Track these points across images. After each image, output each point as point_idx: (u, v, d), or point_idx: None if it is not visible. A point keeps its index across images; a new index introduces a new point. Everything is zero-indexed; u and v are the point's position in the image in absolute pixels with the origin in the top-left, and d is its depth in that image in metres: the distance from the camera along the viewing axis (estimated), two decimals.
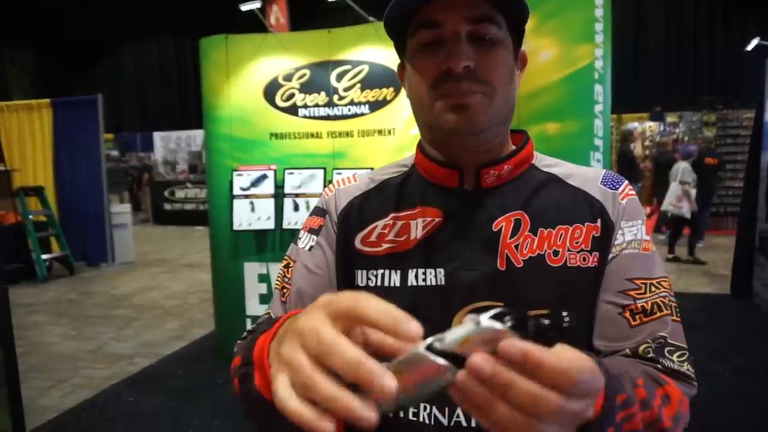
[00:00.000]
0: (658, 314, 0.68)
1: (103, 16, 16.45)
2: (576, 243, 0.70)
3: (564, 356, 0.38)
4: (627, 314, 0.68)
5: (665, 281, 0.71)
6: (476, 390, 0.38)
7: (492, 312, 0.39)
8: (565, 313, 0.39)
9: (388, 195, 0.79)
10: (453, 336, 0.38)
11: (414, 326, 0.37)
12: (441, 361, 0.38)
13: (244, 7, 5.63)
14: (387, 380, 0.35)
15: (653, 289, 0.69)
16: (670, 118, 10.98)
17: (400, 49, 0.75)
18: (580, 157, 2.75)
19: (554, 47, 2.69)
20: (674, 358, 0.66)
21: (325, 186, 3.60)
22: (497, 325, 0.38)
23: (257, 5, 5.66)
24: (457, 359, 0.38)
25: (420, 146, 0.80)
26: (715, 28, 12.93)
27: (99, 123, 7.32)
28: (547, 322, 0.39)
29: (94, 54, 17.85)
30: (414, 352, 0.38)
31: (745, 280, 5.36)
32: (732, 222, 8.35)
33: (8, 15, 14.66)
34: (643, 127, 11.69)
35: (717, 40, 12.90)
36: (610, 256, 0.71)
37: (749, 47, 5.82)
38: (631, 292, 0.69)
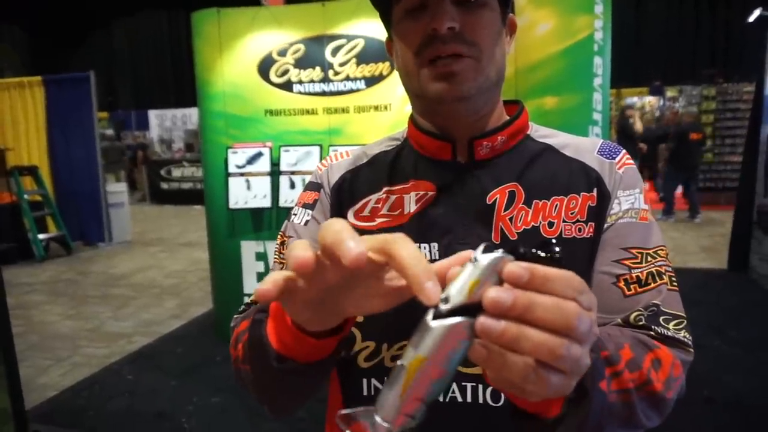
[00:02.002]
0: (653, 285, 0.65)
1: None
2: (571, 214, 0.69)
3: (558, 270, 0.36)
4: (621, 284, 0.66)
5: (662, 250, 0.68)
6: (500, 328, 0.35)
7: (482, 247, 0.37)
8: (556, 245, 0.37)
9: (381, 169, 0.77)
10: (457, 287, 0.36)
11: (433, 290, 0.36)
12: (455, 320, 0.35)
13: None
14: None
15: (649, 258, 0.67)
16: (670, 93, 10.88)
17: (387, 21, 0.73)
18: (579, 132, 2.69)
19: (552, 18, 2.62)
20: (669, 326, 0.64)
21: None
22: (496, 253, 0.36)
23: None
24: (469, 310, 0.35)
25: (412, 119, 0.78)
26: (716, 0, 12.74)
27: (92, 101, 7.23)
28: (541, 253, 0.37)
29: (85, 30, 17.54)
30: (424, 331, 0.36)
31: (742, 255, 5.37)
32: (730, 197, 8.36)
33: None
34: (643, 101, 11.60)
35: (718, 12, 12.71)
36: (606, 225, 0.69)
37: (751, 18, 5.72)
38: (626, 262, 0.67)
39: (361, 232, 0.72)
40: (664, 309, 0.65)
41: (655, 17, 13.26)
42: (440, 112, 0.70)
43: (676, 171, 7.82)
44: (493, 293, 0.35)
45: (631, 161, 0.74)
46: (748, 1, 9.93)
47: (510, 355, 0.36)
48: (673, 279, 0.68)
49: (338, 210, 0.77)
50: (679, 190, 8.35)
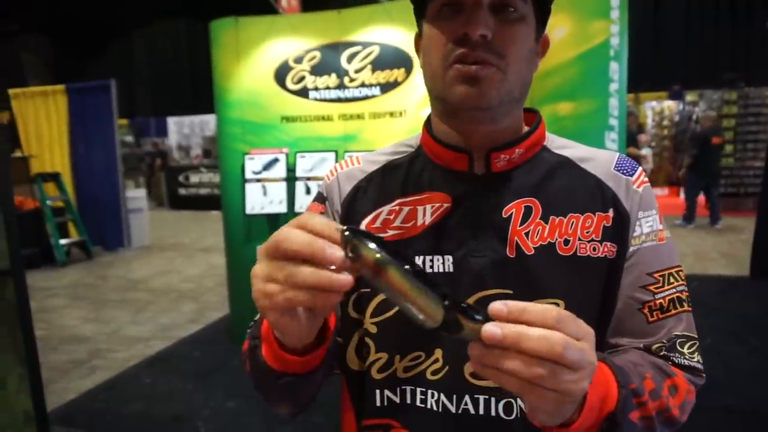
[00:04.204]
0: (673, 312, 0.70)
1: (113, 2, 16.47)
2: (587, 232, 0.69)
3: (535, 304, 0.44)
4: (645, 310, 0.70)
5: (681, 270, 0.72)
6: (494, 354, 0.43)
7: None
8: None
9: (394, 178, 0.76)
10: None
11: (336, 251, 0.45)
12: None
13: None
14: (335, 250, 0.45)
15: (671, 280, 0.71)
16: (690, 97, 10.71)
17: (419, 15, 0.72)
18: (595, 138, 2.69)
19: (568, 23, 2.61)
20: (685, 350, 0.69)
21: None
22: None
23: None
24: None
25: (427, 126, 0.77)
26: (738, 2, 12.53)
27: (113, 108, 7.37)
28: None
29: (106, 38, 17.88)
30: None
31: (765, 262, 5.27)
32: (752, 203, 8.19)
33: (22, 0, 14.73)
34: (662, 106, 11.44)
35: (739, 14, 12.50)
36: (631, 249, 0.70)
37: None
38: (651, 287, 0.70)
39: None
40: (682, 334, 0.70)
41: (675, 20, 13.09)
42: (460, 117, 0.69)
43: (698, 177, 7.67)
44: (487, 328, 0.43)
45: (647, 179, 0.74)
46: None
47: (505, 377, 0.44)
48: (689, 299, 0.72)
49: (348, 220, 0.76)
50: (701, 195, 8.21)
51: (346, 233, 0.46)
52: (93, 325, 4.65)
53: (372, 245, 0.45)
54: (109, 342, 4.24)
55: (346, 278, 0.46)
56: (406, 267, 0.45)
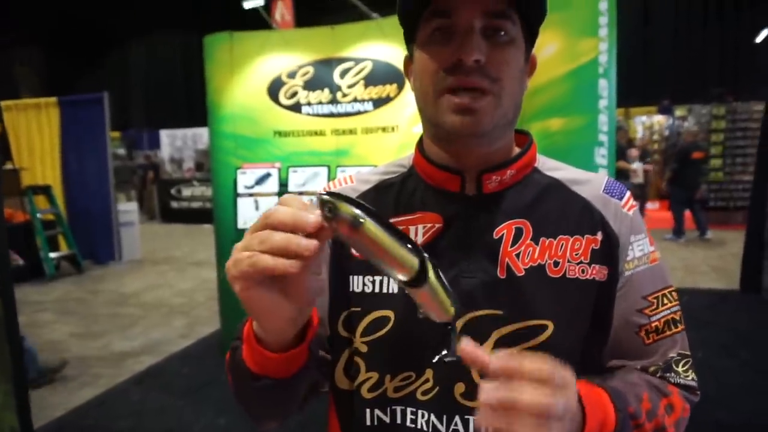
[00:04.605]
0: (668, 333, 0.72)
1: (110, 12, 16.52)
2: (576, 255, 0.70)
3: (531, 361, 0.49)
4: (642, 333, 0.72)
5: (673, 291, 0.74)
6: (496, 414, 0.48)
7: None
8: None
9: (386, 198, 0.77)
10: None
11: (311, 217, 0.49)
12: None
13: (247, 5, 5.64)
14: (311, 216, 0.49)
15: (665, 301, 0.73)
16: (679, 112, 10.84)
17: (410, 40, 0.72)
18: (585, 154, 2.72)
19: (557, 41, 2.65)
20: (680, 369, 0.72)
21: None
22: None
23: (260, 3, 5.67)
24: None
25: (419, 147, 0.78)
26: (726, 17, 12.73)
27: (105, 121, 7.36)
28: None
29: (101, 51, 17.90)
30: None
31: (754, 275, 5.31)
32: (742, 216, 8.27)
33: (16, 13, 14.75)
34: (651, 120, 11.57)
35: (727, 30, 12.70)
36: (626, 274, 0.71)
37: (759, 39, 5.74)
38: (646, 310, 0.72)
39: (365, 263, 0.73)
40: (677, 353, 0.73)
41: (663, 36, 13.28)
42: (454, 143, 0.70)
43: (680, 191, 7.79)
44: (483, 395, 0.48)
45: (635, 202, 0.75)
46: (757, 21, 9.97)
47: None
48: (682, 318, 0.74)
49: (339, 243, 0.74)
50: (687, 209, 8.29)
51: (323, 196, 0.48)
52: (82, 340, 4.60)
53: (348, 204, 0.48)
54: (98, 358, 4.19)
55: (310, 241, 0.48)
56: (382, 222, 0.48)
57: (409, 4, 0.66)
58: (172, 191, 12.37)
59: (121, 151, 14.69)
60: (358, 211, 0.47)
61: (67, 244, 7.26)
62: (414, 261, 0.49)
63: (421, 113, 0.72)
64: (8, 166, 7.32)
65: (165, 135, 15.90)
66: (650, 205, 9.85)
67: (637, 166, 8.35)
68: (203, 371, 3.82)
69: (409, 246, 0.49)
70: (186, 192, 12.26)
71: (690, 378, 0.72)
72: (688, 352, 0.74)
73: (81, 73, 17.56)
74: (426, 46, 0.67)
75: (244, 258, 0.50)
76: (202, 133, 14.60)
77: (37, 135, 7.71)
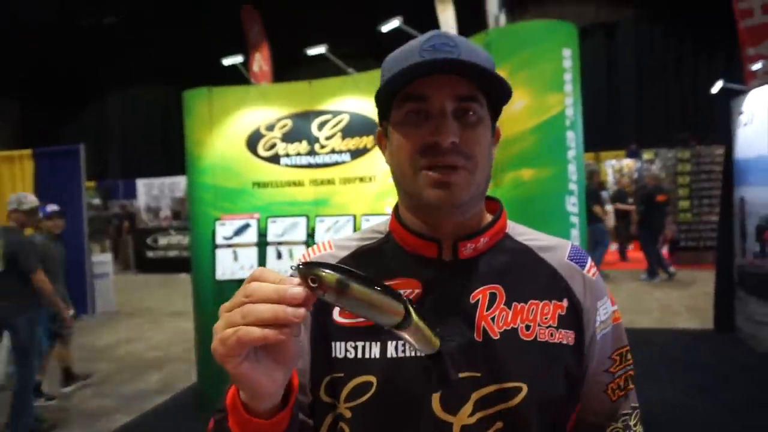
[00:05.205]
0: (627, 389, 0.81)
1: (88, 66, 16.67)
2: (545, 319, 0.74)
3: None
4: (609, 391, 0.79)
5: (629, 350, 0.82)
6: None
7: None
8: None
9: (365, 264, 0.79)
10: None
11: (297, 290, 0.50)
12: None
13: (227, 62, 5.78)
14: (296, 289, 0.51)
15: (628, 357, 0.81)
16: (646, 155, 11.25)
17: (383, 117, 0.77)
18: (556, 202, 2.82)
19: (526, 97, 2.79)
20: (632, 422, 0.80)
21: (307, 233, 3.62)
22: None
23: (239, 60, 5.81)
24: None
25: (396, 213, 0.81)
26: (684, 69, 13.46)
27: (81, 173, 7.31)
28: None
29: (79, 102, 17.94)
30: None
31: (727, 315, 5.41)
32: (711, 256, 8.49)
33: None
34: (621, 164, 11.97)
35: (686, 80, 13.42)
36: (598, 335, 0.77)
37: (714, 90, 6.07)
38: (611, 369, 0.79)
39: (346, 329, 0.76)
40: (631, 407, 0.81)
41: (627, 85, 13.94)
42: (430, 213, 0.74)
43: (649, 233, 8.02)
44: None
45: (595, 267, 0.81)
46: (713, 71, 10.54)
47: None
48: (633, 375, 0.83)
49: (320, 310, 0.76)
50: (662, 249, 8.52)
51: (302, 267, 0.51)
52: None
53: (329, 270, 0.50)
54: (67, 419, 4.03)
55: (297, 309, 0.50)
56: (365, 281, 0.52)
57: (387, 88, 0.71)
58: (148, 240, 12.20)
59: (96, 201, 14.50)
60: (341, 276, 0.50)
61: None
62: (399, 307, 0.54)
63: (398, 186, 0.77)
64: None
65: (141, 184, 15.77)
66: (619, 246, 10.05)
67: (609, 208, 8.60)
68: (178, 428, 3.70)
69: (391, 294, 0.53)
70: (162, 241, 12.10)
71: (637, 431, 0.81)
72: (636, 404, 0.82)
73: (58, 123, 17.51)
74: (401, 127, 0.72)
75: (230, 335, 0.50)
76: (179, 182, 14.53)
77: (10, 186, 7.59)
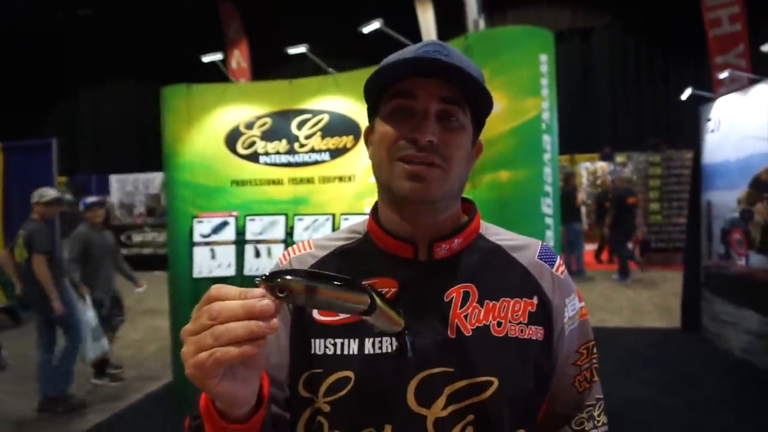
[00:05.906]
0: (593, 381, 0.85)
1: (61, 60, 16.30)
2: (516, 316, 0.78)
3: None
4: (576, 383, 0.84)
5: (594, 343, 0.87)
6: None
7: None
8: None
9: (344, 264, 0.83)
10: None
11: (266, 302, 0.51)
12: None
13: (206, 59, 5.73)
14: (265, 302, 0.51)
15: (594, 351, 0.86)
16: (619, 159, 11.53)
17: (372, 113, 0.80)
18: (532, 204, 2.89)
19: (503, 100, 2.85)
20: (596, 413, 0.85)
21: (286, 232, 3.62)
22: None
23: (219, 57, 5.77)
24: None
25: (374, 214, 0.84)
26: (657, 76, 13.80)
27: (53, 167, 7.15)
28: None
29: (50, 97, 17.53)
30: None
31: (694, 314, 5.59)
32: (681, 257, 8.75)
33: None
34: (595, 167, 12.23)
35: (658, 87, 13.76)
36: (567, 331, 0.81)
37: (683, 97, 6.27)
38: (578, 362, 0.84)
39: (325, 327, 0.79)
40: (595, 398, 0.85)
41: (601, 90, 14.23)
42: (405, 209, 0.77)
43: (620, 234, 8.23)
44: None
45: (564, 266, 0.86)
46: (683, 79, 10.84)
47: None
48: (598, 368, 0.87)
49: (300, 308, 0.79)
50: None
51: (267, 279, 0.52)
52: (19, 399, 4.33)
53: (294, 277, 0.52)
54: (38, 419, 3.96)
55: (270, 322, 0.51)
56: (330, 280, 0.55)
57: (376, 82, 0.75)
58: (122, 237, 12.00)
59: (69, 197, 14.18)
60: (308, 281, 0.53)
61: (5, 294, 6.88)
62: (365, 297, 0.57)
63: (377, 179, 0.80)
64: None
65: (115, 180, 15.48)
66: (590, 247, 10.26)
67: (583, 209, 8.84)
68: (153, 427, 3.67)
69: (355, 286, 0.57)
70: (137, 238, 11.92)
71: (601, 423, 0.84)
72: (601, 396, 0.86)
73: (28, 119, 17.08)
74: (387, 119, 0.76)
75: (205, 358, 0.50)
76: (154, 178, 14.31)
77: None
